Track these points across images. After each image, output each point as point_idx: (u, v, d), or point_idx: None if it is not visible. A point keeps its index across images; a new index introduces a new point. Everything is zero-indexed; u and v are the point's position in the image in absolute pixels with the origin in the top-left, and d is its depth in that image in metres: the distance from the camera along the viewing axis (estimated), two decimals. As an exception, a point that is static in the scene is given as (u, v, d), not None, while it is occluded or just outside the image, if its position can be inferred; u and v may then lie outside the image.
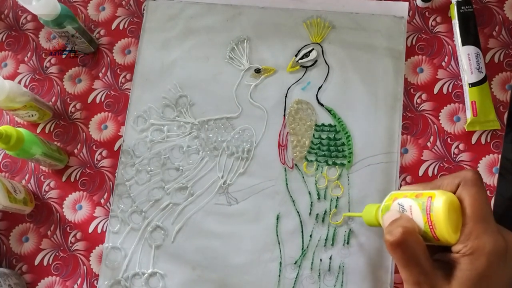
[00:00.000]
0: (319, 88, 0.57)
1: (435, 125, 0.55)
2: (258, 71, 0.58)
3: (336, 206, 0.53)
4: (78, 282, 0.53)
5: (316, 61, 0.57)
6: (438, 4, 0.59)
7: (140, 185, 0.55)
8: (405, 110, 0.55)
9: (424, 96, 0.56)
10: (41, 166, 0.57)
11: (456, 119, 0.55)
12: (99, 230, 0.54)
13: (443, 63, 0.57)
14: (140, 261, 0.53)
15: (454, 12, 0.56)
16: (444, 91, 0.56)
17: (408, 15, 0.58)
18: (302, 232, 0.53)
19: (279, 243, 0.52)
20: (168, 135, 0.57)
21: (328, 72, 0.57)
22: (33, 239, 0.55)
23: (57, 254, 0.54)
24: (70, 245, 0.54)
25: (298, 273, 0.51)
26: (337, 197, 0.53)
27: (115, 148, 0.57)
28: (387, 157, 0.54)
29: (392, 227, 0.34)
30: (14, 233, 0.55)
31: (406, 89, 0.56)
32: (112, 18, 0.62)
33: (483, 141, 0.54)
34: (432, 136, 0.55)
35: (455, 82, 0.56)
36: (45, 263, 0.54)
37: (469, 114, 0.53)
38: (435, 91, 0.56)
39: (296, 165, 0.55)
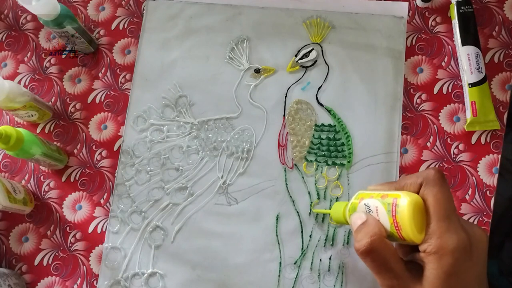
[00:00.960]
0: (319, 88, 0.57)
1: (435, 125, 0.55)
2: (258, 71, 0.58)
3: None
4: (78, 282, 0.53)
5: (316, 61, 0.57)
6: (438, 4, 0.59)
7: (140, 185, 0.55)
8: (405, 110, 0.55)
9: (424, 96, 0.56)
10: (41, 166, 0.57)
11: (456, 119, 0.55)
12: (98, 230, 0.54)
13: (443, 63, 0.57)
14: (140, 261, 0.53)
15: (454, 12, 0.56)
16: (444, 91, 0.56)
17: (408, 15, 0.58)
18: (302, 232, 0.53)
19: (279, 243, 0.52)
20: (168, 135, 0.57)
21: (328, 72, 0.57)
22: (33, 239, 0.55)
23: (57, 254, 0.54)
24: (70, 245, 0.54)
25: (298, 273, 0.51)
26: (337, 197, 0.53)
27: (115, 148, 0.57)
28: (387, 157, 0.54)
29: (361, 235, 0.34)
30: (14, 233, 0.55)
31: (406, 89, 0.56)
32: (112, 18, 0.62)
33: (483, 141, 0.54)
34: (432, 136, 0.55)
35: (455, 82, 0.56)
36: (44, 263, 0.54)
37: (469, 114, 0.53)
38: (435, 91, 0.56)
39: (296, 165, 0.55)
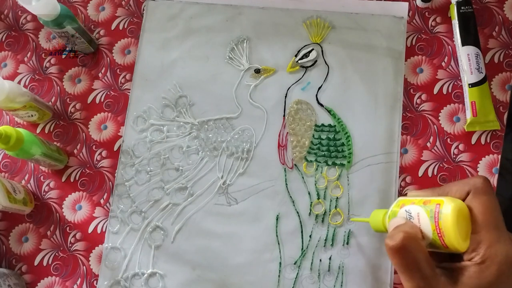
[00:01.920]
0: (319, 88, 0.57)
1: (435, 126, 0.55)
2: (258, 71, 0.58)
3: (336, 207, 0.53)
4: (78, 282, 0.53)
5: (316, 61, 0.57)
6: (438, 4, 0.59)
7: (140, 185, 0.55)
8: (405, 110, 0.55)
9: (424, 97, 0.56)
10: (40, 166, 0.57)
11: (456, 120, 0.55)
12: (98, 230, 0.54)
13: (443, 63, 0.57)
14: (140, 261, 0.53)
15: (454, 12, 0.56)
16: (444, 91, 0.56)
17: (408, 15, 0.58)
18: (302, 232, 0.53)
19: (278, 243, 0.52)
20: (168, 135, 0.57)
21: (328, 72, 0.57)
22: (32, 239, 0.55)
23: (56, 254, 0.54)
24: (70, 245, 0.54)
25: (298, 273, 0.51)
26: (337, 198, 0.53)
27: (115, 148, 0.57)
28: (387, 157, 0.54)
29: (393, 232, 0.33)
30: (14, 233, 0.55)
31: (406, 89, 0.56)
32: (112, 18, 0.61)
33: (483, 142, 0.54)
34: (432, 137, 0.55)
35: (455, 83, 0.56)
36: (44, 263, 0.54)
37: (469, 115, 0.53)
38: (435, 91, 0.56)
39: (295, 165, 0.55)
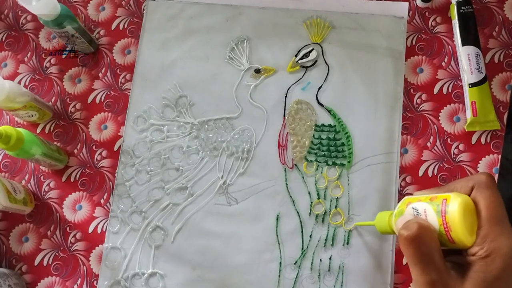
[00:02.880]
0: (319, 88, 0.57)
1: (435, 125, 0.55)
2: (258, 71, 0.58)
3: (336, 206, 0.53)
4: (78, 282, 0.53)
5: (316, 61, 0.57)
6: (438, 4, 0.59)
7: (140, 185, 0.55)
8: (405, 110, 0.55)
9: (424, 96, 0.56)
10: (41, 166, 0.57)
11: (456, 119, 0.55)
12: (99, 230, 0.54)
13: (443, 63, 0.57)
14: (140, 261, 0.53)
15: (454, 12, 0.56)
16: (444, 91, 0.56)
17: (408, 15, 0.58)
18: (302, 232, 0.53)
19: (279, 243, 0.52)
20: (168, 135, 0.57)
21: (328, 72, 0.57)
22: (33, 239, 0.55)
23: (57, 254, 0.54)
24: (70, 245, 0.54)
25: (298, 273, 0.51)
26: (337, 197, 0.53)
27: (115, 148, 0.57)
28: (387, 157, 0.54)
29: (409, 222, 0.33)
30: (14, 233, 0.55)
31: (406, 89, 0.56)
32: (112, 18, 0.61)
33: (483, 141, 0.54)
34: (432, 136, 0.55)
35: (455, 82, 0.56)
36: (45, 263, 0.54)
37: (469, 114, 0.53)
38: (435, 91, 0.56)
39: (296, 165, 0.55)
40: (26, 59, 0.61)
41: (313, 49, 0.58)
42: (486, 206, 0.32)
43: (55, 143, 0.57)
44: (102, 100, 0.59)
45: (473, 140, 0.54)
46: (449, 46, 0.57)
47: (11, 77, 0.61)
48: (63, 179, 0.56)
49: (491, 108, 0.53)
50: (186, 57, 0.59)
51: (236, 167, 0.55)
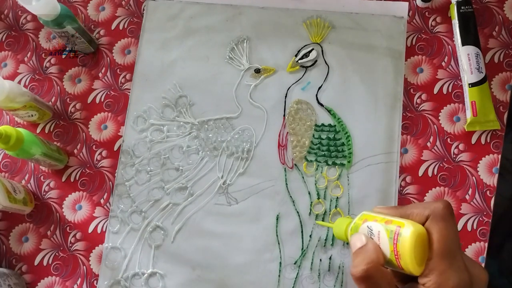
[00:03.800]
0: (319, 88, 0.57)
1: (435, 125, 0.55)
2: (258, 71, 0.58)
3: (336, 206, 0.53)
4: (78, 282, 0.53)
5: (316, 61, 0.57)
6: (438, 4, 0.59)
7: (140, 185, 0.55)
8: (405, 110, 0.55)
9: (424, 96, 0.56)
10: (41, 166, 0.57)
11: (456, 119, 0.55)
12: (99, 230, 0.54)
13: (443, 63, 0.57)
14: (140, 261, 0.53)
15: (454, 12, 0.56)
16: (444, 91, 0.56)
17: (408, 15, 0.58)
18: (302, 232, 0.53)
19: (279, 243, 0.52)
20: (168, 135, 0.57)
21: (328, 72, 0.57)
22: (33, 239, 0.55)
23: (57, 254, 0.54)
24: (70, 245, 0.54)
25: (298, 273, 0.51)
26: (337, 197, 0.53)
27: (115, 148, 0.57)
28: (387, 157, 0.54)
29: (357, 261, 0.34)
30: (14, 233, 0.55)
31: (406, 89, 0.56)
32: (112, 18, 0.61)
33: (483, 141, 0.54)
34: (432, 136, 0.55)
35: (455, 82, 0.56)
36: (45, 263, 0.54)
37: (469, 114, 0.53)
38: (435, 91, 0.56)
39: (296, 165, 0.55)
40: (26, 59, 0.61)
41: (313, 49, 0.58)
42: (438, 239, 0.32)
43: (55, 143, 0.57)
44: (102, 100, 0.59)
45: (473, 140, 0.54)
46: (449, 46, 0.57)
47: (11, 77, 0.61)
48: (63, 179, 0.56)
49: (491, 108, 0.53)
50: (186, 57, 0.59)
51: (236, 167, 0.55)
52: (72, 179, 0.56)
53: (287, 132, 0.56)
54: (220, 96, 0.57)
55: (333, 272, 0.51)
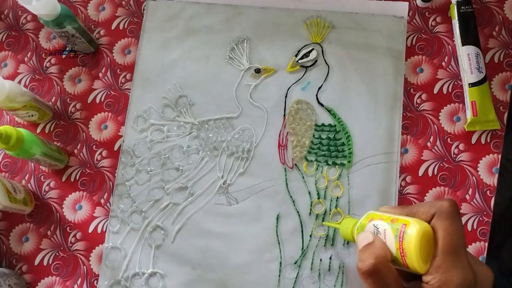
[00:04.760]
0: (319, 88, 0.57)
1: (435, 125, 0.55)
2: (258, 71, 0.58)
3: (336, 206, 0.53)
4: (78, 282, 0.53)
5: (316, 61, 0.57)
6: (438, 4, 0.59)
7: (140, 185, 0.55)
8: (405, 110, 0.55)
9: (424, 96, 0.56)
10: (41, 166, 0.57)
11: (456, 119, 0.55)
12: (99, 230, 0.54)
13: (443, 63, 0.57)
14: (140, 261, 0.53)
15: (454, 12, 0.56)
16: (444, 91, 0.56)
17: (408, 15, 0.58)
18: (302, 232, 0.53)
19: (279, 243, 0.52)
20: (168, 135, 0.57)
21: (328, 72, 0.57)
22: (33, 239, 0.55)
23: (57, 254, 0.54)
24: (70, 245, 0.54)
25: (298, 273, 0.51)
26: (337, 197, 0.53)
27: (115, 148, 0.57)
28: (387, 157, 0.54)
29: (365, 255, 0.34)
30: (14, 233, 0.55)
31: (406, 89, 0.56)
32: (112, 18, 0.61)
33: (483, 141, 0.54)
34: (432, 136, 0.55)
35: (455, 82, 0.56)
36: (45, 263, 0.54)
37: (469, 114, 0.53)
38: (435, 91, 0.56)
39: (296, 165, 0.55)
40: (26, 59, 0.61)
41: (313, 49, 0.58)
42: (443, 236, 0.32)
43: (55, 143, 0.57)
44: (102, 100, 0.59)
45: (473, 140, 0.54)
46: (449, 46, 0.57)
47: (11, 77, 0.61)
48: (63, 179, 0.56)
49: (491, 108, 0.53)
50: (186, 57, 0.59)
51: (236, 167, 0.55)
52: (72, 179, 0.56)
53: (287, 132, 0.56)
54: (220, 96, 0.57)
55: (333, 272, 0.51)
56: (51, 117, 0.59)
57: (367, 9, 0.58)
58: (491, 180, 0.53)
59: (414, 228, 0.33)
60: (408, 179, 0.53)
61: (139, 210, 0.54)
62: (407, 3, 0.58)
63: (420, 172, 0.54)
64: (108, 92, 0.59)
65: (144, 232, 0.54)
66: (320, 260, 0.52)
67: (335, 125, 0.55)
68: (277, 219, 0.53)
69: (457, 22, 0.55)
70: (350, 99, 0.56)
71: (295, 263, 0.52)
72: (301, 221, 0.53)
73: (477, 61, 0.53)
